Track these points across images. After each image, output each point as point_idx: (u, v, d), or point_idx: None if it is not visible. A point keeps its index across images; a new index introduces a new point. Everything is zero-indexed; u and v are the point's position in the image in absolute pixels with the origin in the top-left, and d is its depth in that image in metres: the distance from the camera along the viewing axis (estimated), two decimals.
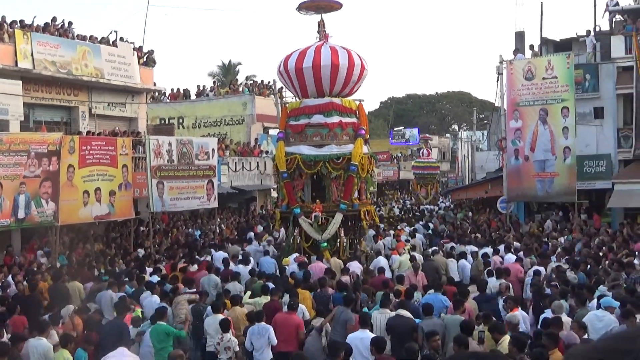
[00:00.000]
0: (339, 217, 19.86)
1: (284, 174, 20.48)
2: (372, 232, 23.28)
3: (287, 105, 21.92)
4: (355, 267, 17.24)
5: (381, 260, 18.09)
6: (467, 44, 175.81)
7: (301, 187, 20.69)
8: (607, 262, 16.58)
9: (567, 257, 17.44)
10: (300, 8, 21.85)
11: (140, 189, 23.33)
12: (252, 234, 25.20)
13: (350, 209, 20.16)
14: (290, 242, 20.40)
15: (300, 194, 20.64)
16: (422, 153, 52.77)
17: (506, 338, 9.73)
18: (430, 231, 27.78)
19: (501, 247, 20.00)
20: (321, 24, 21.75)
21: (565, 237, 23.42)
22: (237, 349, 11.44)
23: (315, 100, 20.77)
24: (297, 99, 21.83)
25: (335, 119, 20.47)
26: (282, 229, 22.86)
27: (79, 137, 21.03)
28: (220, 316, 11.97)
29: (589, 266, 16.07)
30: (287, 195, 20.65)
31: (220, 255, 19.64)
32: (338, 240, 20.08)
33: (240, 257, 18.70)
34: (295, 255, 18.91)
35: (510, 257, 18.16)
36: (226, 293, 14.11)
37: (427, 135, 68.72)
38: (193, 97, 42.20)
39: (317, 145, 20.41)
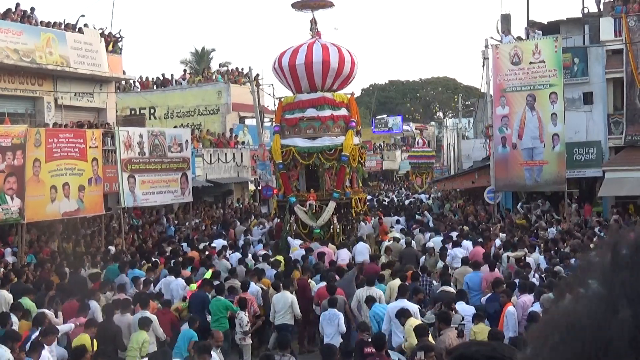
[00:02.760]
0: (332, 205, 21.91)
1: (280, 165, 22.61)
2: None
3: (282, 99, 23.94)
4: (344, 255, 19.00)
5: (359, 247, 19.81)
6: (452, 28, 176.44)
7: (296, 177, 22.93)
8: None
9: (555, 248, 17.72)
10: (294, 6, 23.97)
11: (110, 184, 23.28)
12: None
13: (342, 197, 22.28)
14: (286, 228, 22.17)
15: (295, 184, 22.83)
16: (418, 142, 55.16)
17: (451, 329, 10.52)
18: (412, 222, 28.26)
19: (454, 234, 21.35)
20: (313, 22, 23.97)
21: (555, 227, 23.69)
22: (247, 328, 13.30)
23: (308, 95, 22.90)
24: (291, 93, 23.87)
25: (327, 112, 22.61)
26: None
27: (46, 130, 20.93)
28: (288, 293, 13.90)
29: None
30: (283, 185, 22.87)
31: (219, 242, 21.71)
32: (331, 226, 22.04)
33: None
34: (300, 242, 20.73)
35: (467, 244, 19.22)
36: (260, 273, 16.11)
37: (423, 124, 69.87)
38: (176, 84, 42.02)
39: (310, 137, 22.58)
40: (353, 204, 22.58)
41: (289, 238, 21.25)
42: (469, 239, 20.37)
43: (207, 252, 19.70)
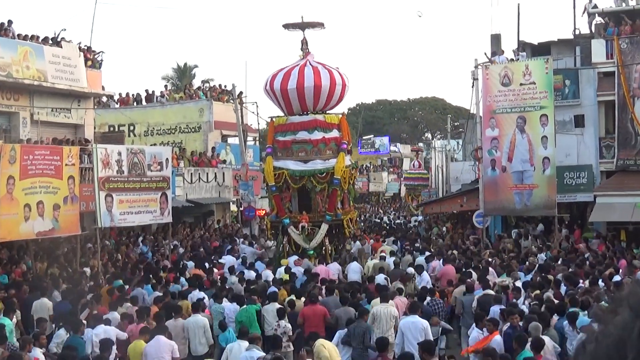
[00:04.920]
0: (324, 227, 23.28)
1: (273, 187, 23.89)
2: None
3: (274, 120, 25.03)
4: (334, 269, 20.51)
5: (353, 265, 21.13)
6: (442, 47, 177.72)
7: (289, 199, 24.14)
8: (587, 281, 16.76)
9: (543, 274, 17.73)
10: (286, 27, 25.32)
11: (86, 203, 23.10)
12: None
13: (334, 219, 23.57)
14: (280, 249, 23.42)
15: (288, 205, 24.08)
16: (414, 164, 56.58)
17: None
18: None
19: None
20: (304, 42, 25.09)
21: (545, 253, 23.69)
22: (291, 333, 14.14)
23: (299, 118, 24.11)
24: (282, 113, 25.06)
25: (319, 135, 23.80)
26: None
27: (21, 146, 20.73)
28: (277, 305, 15.11)
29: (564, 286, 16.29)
30: (276, 206, 24.12)
31: (228, 259, 23.09)
32: (324, 247, 23.33)
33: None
34: (295, 258, 21.56)
35: (438, 264, 20.68)
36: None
37: (417, 146, 70.54)
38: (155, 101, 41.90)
39: (302, 160, 23.71)
40: (344, 225, 23.83)
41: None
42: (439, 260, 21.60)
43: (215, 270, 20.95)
